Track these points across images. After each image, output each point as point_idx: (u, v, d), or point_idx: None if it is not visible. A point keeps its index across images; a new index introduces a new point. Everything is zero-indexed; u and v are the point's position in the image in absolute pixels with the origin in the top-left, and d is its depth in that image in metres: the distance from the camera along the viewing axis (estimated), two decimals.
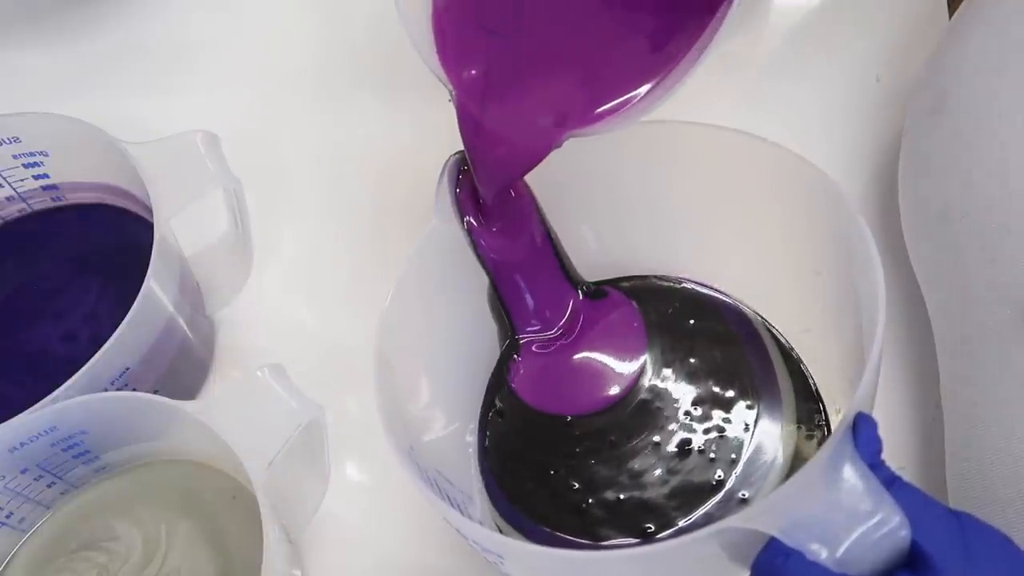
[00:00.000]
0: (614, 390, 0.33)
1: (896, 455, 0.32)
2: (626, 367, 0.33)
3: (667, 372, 0.33)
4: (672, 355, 0.33)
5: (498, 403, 0.33)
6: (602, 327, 0.34)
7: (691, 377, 0.32)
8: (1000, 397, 0.26)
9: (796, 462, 0.29)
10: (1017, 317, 0.26)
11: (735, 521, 0.20)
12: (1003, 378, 0.27)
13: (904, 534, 0.20)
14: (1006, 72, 0.29)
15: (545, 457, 0.32)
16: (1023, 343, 0.26)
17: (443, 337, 0.32)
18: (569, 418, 0.33)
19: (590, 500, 0.30)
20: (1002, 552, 0.21)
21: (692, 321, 0.34)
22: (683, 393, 0.32)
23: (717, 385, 0.32)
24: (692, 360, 0.33)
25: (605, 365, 0.34)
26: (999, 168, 0.28)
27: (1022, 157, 0.28)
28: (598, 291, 0.34)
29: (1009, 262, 0.27)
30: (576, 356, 0.34)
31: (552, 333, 0.34)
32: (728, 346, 0.33)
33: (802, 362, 0.32)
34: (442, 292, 0.31)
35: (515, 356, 0.34)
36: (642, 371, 0.33)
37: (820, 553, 0.19)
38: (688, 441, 0.31)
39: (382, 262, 0.39)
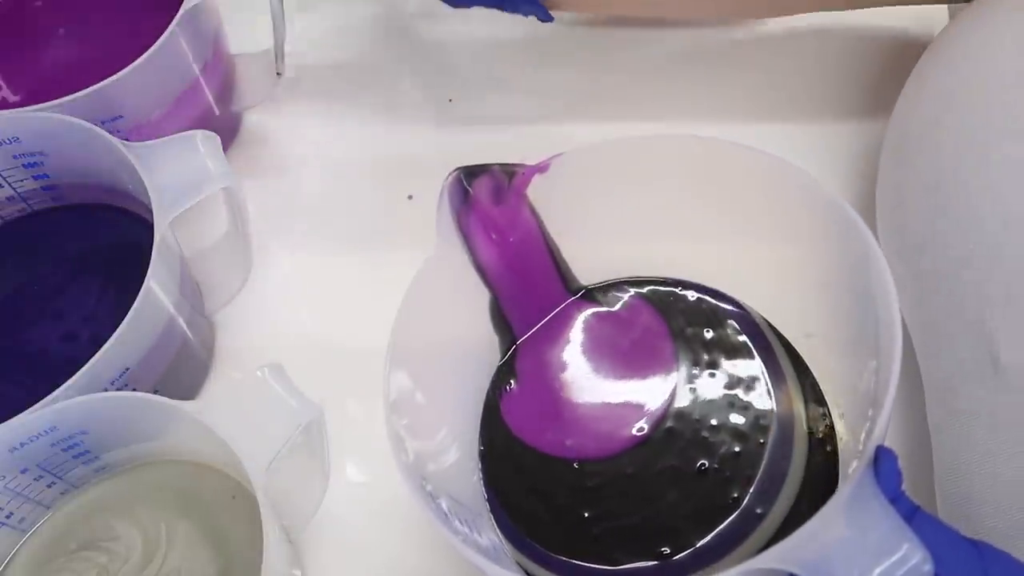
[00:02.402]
0: (638, 428, 0.31)
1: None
2: (652, 396, 0.31)
3: (690, 391, 0.31)
4: (696, 371, 0.32)
5: (494, 435, 0.32)
6: (619, 344, 0.33)
7: (711, 394, 0.31)
8: (978, 439, 0.26)
9: (809, 472, 0.29)
10: (985, 356, 0.26)
11: (759, 562, 0.20)
12: (978, 421, 0.26)
13: (927, 569, 0.19)
14: (963, 112, 0.30)
15: (551, 490, 0.30)
16: (995, 393, 0.26)
17: (451, 359, 0.31)
18: (576, 464, 0.30)
19: (604, 527, 0.29)
20: None
21: (709, 331, 0.32)
22: (703, 412, 0.31)
23: (734, 400, 0.31)
24: (713, 375, 0.31)
25: (626, 395, 0.32)
26: (958, 207, 0.29)
27: (980, 196, 0.28)
28: (611, 298, 0.33)
29: (974, 299, 0.27)
30: (589, 385, 0.32)
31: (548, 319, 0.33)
32: (744, 356, 0.31)
33: (808, 367, 0.31)
34: (449, 313, 0.31)
35: (510, 386, 0.32)
36: (672, 398, 0.31)
37: None
38: (705, 462, 0.30)
39: (383, 261, 0.39)
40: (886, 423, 0.22)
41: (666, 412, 0.31)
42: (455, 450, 0.31)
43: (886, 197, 0.33)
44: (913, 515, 0.21)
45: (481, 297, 0.32)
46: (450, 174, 0.30)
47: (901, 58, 0.40)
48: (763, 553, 0.20)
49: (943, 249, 0.29)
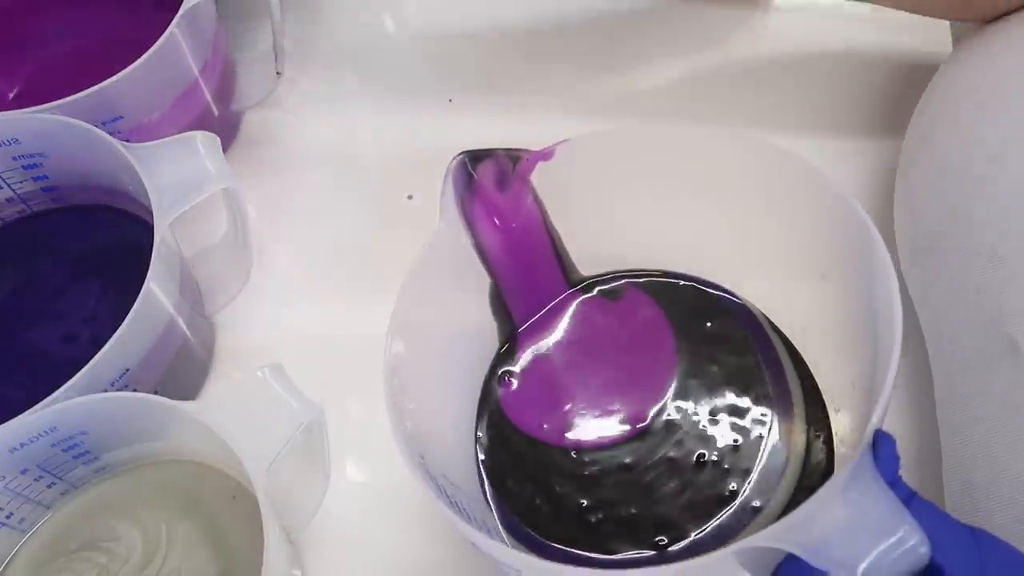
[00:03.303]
0: (637, 419, 0.31)
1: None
2: (652, 387, 0.31)
3: (689, 383, 0.31)
4: (696, 364, 0.32)
5: (492, 422, 0.32)
6: (618, 336, 0.33)
7: (710, 387, 0.31)
8: (989, 428, 0.26)
9: (807, 466, 0.29)
10: (1005, 347, 0.26)
11: (757, 541, 0.20)
12: (990, 408, 0.26)
13: (924, 551, 0.20)
14: (986, 107, 0.30)
15: (549, 478, 0.30)
16: (1009, 373, 0.26)
17: (450, 342, 0.31)
18: (574, 452, 0.31)
19: (601, 516, 0.29)
20: (1017, 568, 0.21)
21: (709, 324, 0.32)
22: (702, 405, 0.31)
23: (734, 394, 0.31)
24: (712, 368, 0.31)
25: (625, 386, 0.32)
26: (983, 200, 0.29)
27: (1004, 190, 0.28)
28: (612, 290, 0.33)
29: (995, 292, 0.27)
30: (588, 375, 0.32)
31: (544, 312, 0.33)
32: (743, 350, 0.32)
33: (806, 360, 0.31)
34: (449, 296, 0.31)
35: (509, 374, 0.32)
36: (671, 390, 0.31)
37: (840, 572, 0.20)
38: (704, 454, 0.30)
39: (382, 261, 0.39)
40: (884, 409, 0.22)
41: (665, 404, 0.31)
42: (453, 436, 0.31)
43: (903, 187, 0.33)
44: (910, 500, 0.21)
45: (482, 283, 0.32)
46: (455, 158, 0.30)
47: (919, 64, 0.40)
48: (762, 532, 0.20)
49: (954, 240, 0.29)
